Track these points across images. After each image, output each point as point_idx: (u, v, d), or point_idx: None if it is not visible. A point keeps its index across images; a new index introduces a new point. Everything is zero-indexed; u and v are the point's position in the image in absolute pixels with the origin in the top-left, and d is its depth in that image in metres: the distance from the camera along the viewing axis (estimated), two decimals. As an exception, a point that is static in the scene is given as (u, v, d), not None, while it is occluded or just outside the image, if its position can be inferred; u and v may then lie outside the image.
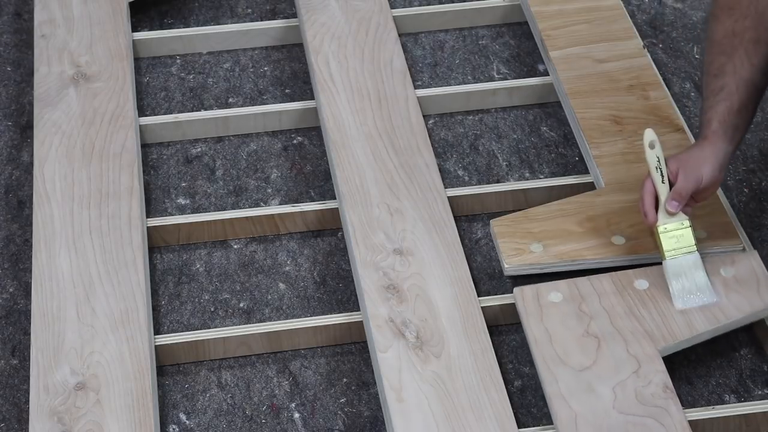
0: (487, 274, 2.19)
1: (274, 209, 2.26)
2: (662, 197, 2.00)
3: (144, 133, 2.42)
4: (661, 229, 2.00)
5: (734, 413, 1.93)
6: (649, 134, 2.03)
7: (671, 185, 2.00)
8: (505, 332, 2.10)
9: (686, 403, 2.00)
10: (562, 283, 2.05)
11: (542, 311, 2.01)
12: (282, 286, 2.19)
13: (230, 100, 2.53)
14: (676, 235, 2.01)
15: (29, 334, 2.05)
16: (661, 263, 2.03)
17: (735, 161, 2.37)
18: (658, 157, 2.01)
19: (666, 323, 1.98)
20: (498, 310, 2.09)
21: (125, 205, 2.20)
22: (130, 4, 2.62)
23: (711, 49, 2.01)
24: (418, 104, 2.39)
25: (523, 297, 2.03)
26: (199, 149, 2.43)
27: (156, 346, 2.04)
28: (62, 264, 2.10)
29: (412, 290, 2.06)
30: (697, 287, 2.01)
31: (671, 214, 2.00)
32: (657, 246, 2.02)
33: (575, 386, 1.90)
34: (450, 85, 2.54)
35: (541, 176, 2.35)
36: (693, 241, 2.01)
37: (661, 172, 2.00)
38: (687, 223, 2.01)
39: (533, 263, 2.09)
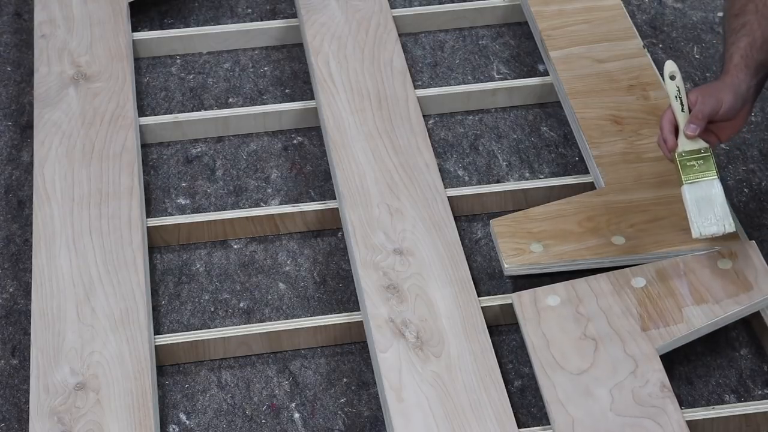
0: (487, 274, 2.19)
1: (274, 209, 2.26)
2: (682, 125, 1.99)
3: (144, 133, 2.42)
4: (679, 152, 1.99)
5: (734, 413, 1.93)
6: (670, 65, 2.03)
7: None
8: (505, 332, 2.10)
9: (686, 402, 2.00)
10: (559, 286, 2.04)
11: (540, 316, 2.00)
12: (282, 286, 2.19)
13: (230, 100, 2.53)
14: (695, 161, 1.99)
15: (29, 334, 2.05)
16: (659, 258, 2.03)
17: (735, 161, 2.37)
18: (678, 87, 2.00)
19: (663, 320, 1.98)
20: (498, 310, 2.09)
21: (125, 205, 2.20)
22: (130, 4, 2.63)
23: None
24: (418, 104, 2.39)
25: (521, 303, 2.03)
26: (199, 149, 2.43)
27: (156, 346, 2.04)
28: (62, 264, 2.10)
29: (412, 290, 2.06)
30: (715, 214, 1.98)
31: (690, 139, 1.99)
32: (677, 176, 2.00)
33: (573, 391, 1.90)
34: (450, 85, 2.54)
35: (541, 176, 2.35)
36: (713, 168, 1.98)
37: (681, 101, 1.99)
38: (708, 149, 1.99)
39: (533, 263, 2.09)
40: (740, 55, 1.97)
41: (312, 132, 2.46)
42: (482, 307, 2.05)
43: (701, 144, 1.99)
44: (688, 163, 1.99)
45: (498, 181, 2.35)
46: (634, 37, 2.50)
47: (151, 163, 2.40)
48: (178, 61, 2.62)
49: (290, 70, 2.59)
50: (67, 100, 2.40)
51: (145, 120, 2.42)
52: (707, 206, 1.99)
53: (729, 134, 2.02)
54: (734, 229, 1.99)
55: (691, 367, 2.05)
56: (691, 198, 1.99)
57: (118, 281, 2.08)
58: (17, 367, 2.07)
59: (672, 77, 2.02)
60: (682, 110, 1.99)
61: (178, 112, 2.49)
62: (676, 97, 2.00)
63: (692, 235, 2.00)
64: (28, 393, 1.95)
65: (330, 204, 2.26)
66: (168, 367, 2.06)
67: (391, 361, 1.96)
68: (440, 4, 2.70)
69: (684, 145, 1.99)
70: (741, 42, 1.97)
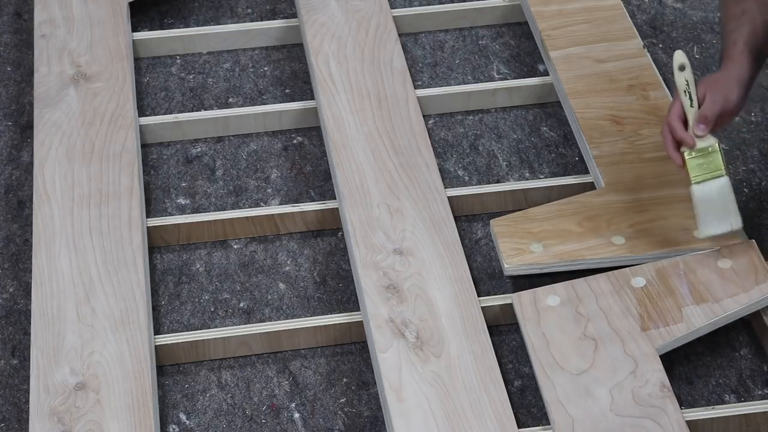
0: (487, 274, 2.19)
1: (274, 209, 2.26)
2: (691, 121, 1.96)
3: (144, 133, 2.42)
4: (687, 153, 1.96)
5: (734, 413, 1.93)
6: (679, 56, 2.00)
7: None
8: (505, 332, 2.10)
9: (686, 402, 2.00)
10: (559, 286, 2.04)
11: (540, 316, 2.00)
12: (282, 286, 2.19)
13: (230, 100, 2.53)
14: (703, 158, 1.96)
15: (29, 334, 2.05)
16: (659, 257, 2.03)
17: (735, 161, 2.37)
18: (687, 81, 1.97)
19: (663, 320, 1.98)
20: (498, 310, 2.09)
21: (125, 205, 2.20)
22: (130, 4, 2.63)
23: None
24: (418, 104, 2.39)
25: (521, 303, 2.03)
26: (199, 149, 2.43)
27: (156, 346, 2.04)
28: (62, 264, 2.10)
29: (412, 290, 2.06)
30: (723, 212, 1.97)
31: (699, 138, 1.96)
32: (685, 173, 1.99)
33: (572, 391, 1.90)
34: (450, 85, 2.54)
35: (541, 176, 2.35)
36: (722, 165, 1.96)
37: (690, 95, 1.96)
38: (716, 146, 1.96)
39: (533, 263, 2.09)
40: (744, 42, 1.95)
41: (312, 132, 2.46)
42: (482, 307, 2.05)
43: (710, 141, 1.97)
44: (696, 162, 1.97)
45: (498, 181, 2.35)
46: (634, 37, 2.50)
47: (151, 163, 2.40)
48: (178, 61, 2.62)
49: (290, 70, 2.59)
50: (67, 100, 2.40)
51: (145, 120, 2.42)
52: (715, 205, 1.98)
53: (727, 122, 2.00)
54: (741, 226, 1.98)
55: (691, 367, 2.05)
56: (699, 197, 1.98)
57: (118, 281, 2.08)
58: (17, 367, 2.07)
59: (681, 68, 1.98)
60: (691, 105, 1.96)
61: (178, 112, 2.49)
62: (685, 91, 1.97)
63: (699, 235, 1.99)
64: (28, 393, 1.95)
65: (330, 204, 2.26)
66: (168, 367, 2.06)
67: (391, 361, 1.96)
68: (440, 4, 2.70)
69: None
70: (743, 28, 1.95)
